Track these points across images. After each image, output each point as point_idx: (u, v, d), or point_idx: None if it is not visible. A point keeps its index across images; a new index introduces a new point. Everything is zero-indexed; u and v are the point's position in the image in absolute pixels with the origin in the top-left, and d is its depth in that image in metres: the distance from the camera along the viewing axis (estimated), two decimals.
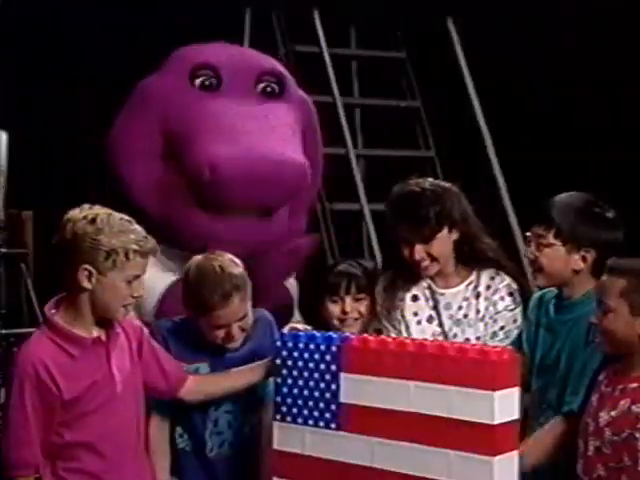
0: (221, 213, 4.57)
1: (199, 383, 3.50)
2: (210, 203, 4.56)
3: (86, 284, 3.15)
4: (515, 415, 2.93)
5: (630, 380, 3.06)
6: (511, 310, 3.63)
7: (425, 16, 6.77)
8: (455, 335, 3.68)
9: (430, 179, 3.79)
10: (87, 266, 3.14)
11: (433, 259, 3.68)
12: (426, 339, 3.47)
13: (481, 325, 3.66)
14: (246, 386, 3.53)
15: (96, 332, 3.24)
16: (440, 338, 3.66)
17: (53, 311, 3.23)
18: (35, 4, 5.86)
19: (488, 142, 6.46)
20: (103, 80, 5.90)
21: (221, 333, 3.51)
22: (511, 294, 3.65)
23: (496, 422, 2.85)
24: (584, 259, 3.29)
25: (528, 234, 3.46)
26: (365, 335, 3.19)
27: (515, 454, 2.93)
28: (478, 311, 3.68)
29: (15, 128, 5.51)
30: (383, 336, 3.16)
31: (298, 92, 5.09)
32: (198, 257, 3.60)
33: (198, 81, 4.81)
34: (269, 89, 4.91)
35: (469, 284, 3.72)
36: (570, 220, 3.32)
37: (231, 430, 3.61)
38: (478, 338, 3.64)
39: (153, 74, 4.95)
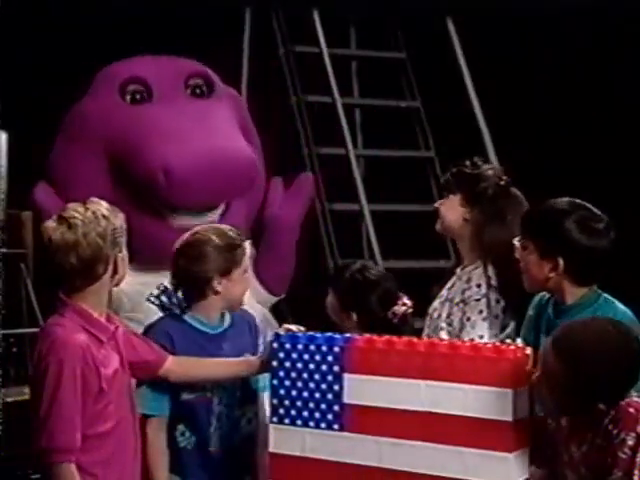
0: (174, 218, 4.73)
1: (180, 364, 3.49)
2: (167, 206, 4.72)
3: (120, 269, 3.25)
4: (527, 412, 2.96)
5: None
6: (476, 300, 3.65)
7: (425, 16, 6.76)
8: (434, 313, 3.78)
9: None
10: (120, 255, 3.24)
11: (440, 215, 3.83)
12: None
13: (447, 305, 3.71)
14: (229, 377, 3.57)
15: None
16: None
17: (69, 299, 3.23)
18: (35, 4, 5.86)
19: (488, 142, 6.46)
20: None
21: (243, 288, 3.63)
22: (479, 285, 3.66)
23: (512, 419, 2.88)
24: (555, 266, 3.24)
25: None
26: (369, 335, 3.19)
27: (527, 450, 2.95)
28: (453, 293, 3.76)
29: (15, 128, 5.51)
30: (388, 336, 3.15)
31: (226, 89, 5.21)
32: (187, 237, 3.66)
33: (129, 96, 4.97)
34: (198, 90, 5.10)
35: (473, 269, 3.75)
36: (542, 226, 3.30)
37: (231, 424, 3.64)
38: (439, 317, 3.73)
39: (84, 97, 5.06)
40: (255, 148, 5.21)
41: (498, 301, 3.64)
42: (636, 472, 2.80)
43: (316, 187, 6.22)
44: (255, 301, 5.12)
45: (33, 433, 3.16)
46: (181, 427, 3.61)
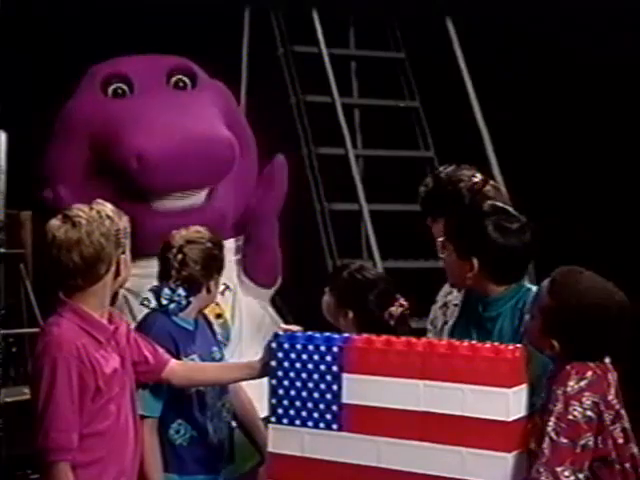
0: (157, 202, 4.80)
1: (184, 368, 3.54)
2: (143, 192, 4.76)
3: (123, 271, 3.27)
4: (524, 412, 2.97)
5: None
6: (454, 305, 3.64)
7: (424, 16, 6.77)
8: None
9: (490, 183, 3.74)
10: (123, 256, 3.27)
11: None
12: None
13: (439, 312, 3.71)
14: (232, 381, 3.68)
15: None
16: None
17: (68, 300, 3.24)
18: (35, 4, 5.86)
19: (487, 142, 6.46)
20: None
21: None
22: (459, 290, 3.63)
23: (511, 419, 2.90)
24: (471, 267, 3.29)
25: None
26: (368, 335, 3.19)
27: (524, 450, 2.95)
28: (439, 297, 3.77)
29: (15, 128, 5.51)
30: (386, 336, 3.15)
31: (210, 81, 5.25)
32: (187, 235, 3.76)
33: (110, 90, 4.99)
34: (181, 83, 5.14)
35: None
36: (458, 229, 3.35)
37: (218, 415, 3.75)
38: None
39: (70, 97, 5.19)
40: (243, 134, 5.19)
41: None
42: (552, 419, 2.86)
43: (315, 187, 6.23)
44: (252, 297, 5.14)
45: (33, 432, 3.17)
46: (175, 425, 3.67)
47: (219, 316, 4.94)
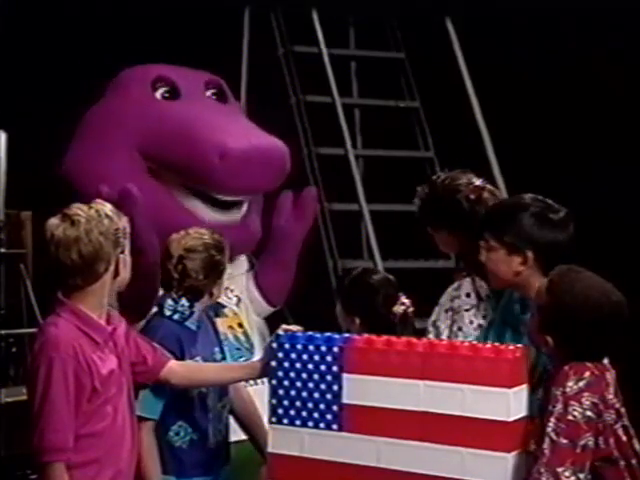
0: (206, 212, 4.91)
1: (183, 368, 3.53)
2: (216, 189, 4.88)
3: (122, 271, 3.25)
4: (524, 412, 2.98)
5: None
6: (466, 310, 3.61)
7: (424, 16, 6.77)
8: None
9: (490, 188, 3.70)
10: (122, 256, 3.26)
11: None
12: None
13: (436, 310, 3.69)
14: (232, 382, 3.68)
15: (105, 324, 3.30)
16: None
17: (67, 300, 3.24)
18: (36, 4, 5.87)
19: (487, 142, 6.47)
20: (103, 80, 5.89)
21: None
22: (468, 295, 3.62)
23: (511, 419, 2.90)
24: (524, 261, 3.27)
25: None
26: (368, 336, 3.19)
27: (524, 450, 2.96)
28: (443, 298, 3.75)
29: (15, 128, 5.52)
30: (387, 336, 3.15)
31: (233, 100, 5.49)
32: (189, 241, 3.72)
33: (159, 94, 5.05)
34: (215, 96, 5.32)
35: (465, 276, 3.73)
36: (504, 223, 3.32)
37: (218, 417, 3.75)
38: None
39: (106, 98, 5.19)
40: None
41: (486, 310, 3.62)
42: (551, 419, 2.87)
43: (315, 187, 6.24)
44: (254, 313, 5.17)
45: (29, 432, 3.17)
46: (175, 427, 3.66)
47: (240, 325, 4.98)
